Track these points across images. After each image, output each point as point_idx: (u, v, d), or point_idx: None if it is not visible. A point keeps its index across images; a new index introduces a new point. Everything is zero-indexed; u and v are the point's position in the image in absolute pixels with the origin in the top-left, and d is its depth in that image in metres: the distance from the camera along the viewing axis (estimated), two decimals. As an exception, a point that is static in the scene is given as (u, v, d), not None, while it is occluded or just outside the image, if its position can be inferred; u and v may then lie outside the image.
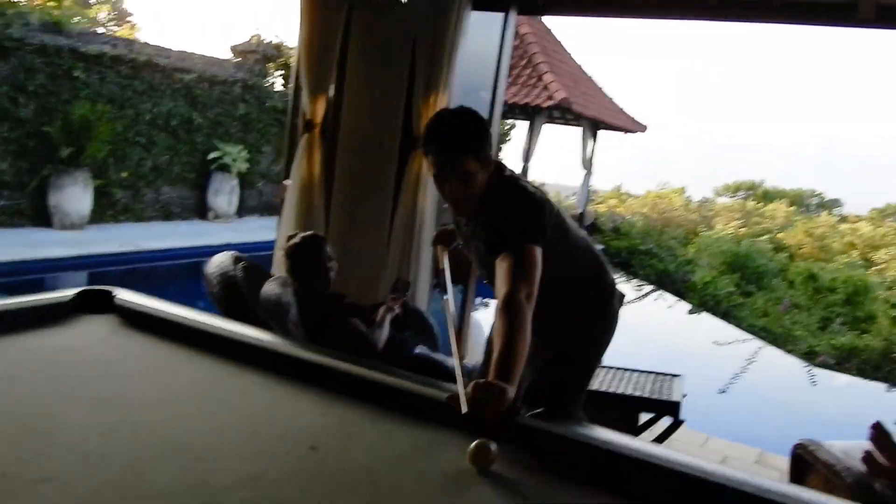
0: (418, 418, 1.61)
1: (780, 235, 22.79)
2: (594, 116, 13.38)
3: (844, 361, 7.96)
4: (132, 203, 9.46)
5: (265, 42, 11.72)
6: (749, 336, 9.21)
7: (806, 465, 2.71)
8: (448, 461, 1.43)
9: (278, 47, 11.76)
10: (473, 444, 1.40)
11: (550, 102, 12.19)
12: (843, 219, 32.03)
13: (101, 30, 11.78)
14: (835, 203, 44.48)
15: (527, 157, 12.92)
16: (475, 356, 3.62)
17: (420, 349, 2.98)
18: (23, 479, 1.17)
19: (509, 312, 1.69)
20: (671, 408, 3.17)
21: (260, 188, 11.56)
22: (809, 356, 8.20)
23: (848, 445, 2.72)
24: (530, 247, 1.83)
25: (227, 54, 11.57)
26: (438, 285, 2.10)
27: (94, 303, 2.15)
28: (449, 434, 1.51)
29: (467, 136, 1.93)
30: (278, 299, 2.71)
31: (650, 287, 12.37)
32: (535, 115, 12.78)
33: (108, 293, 2.19)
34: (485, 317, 5.27)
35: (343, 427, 1.57)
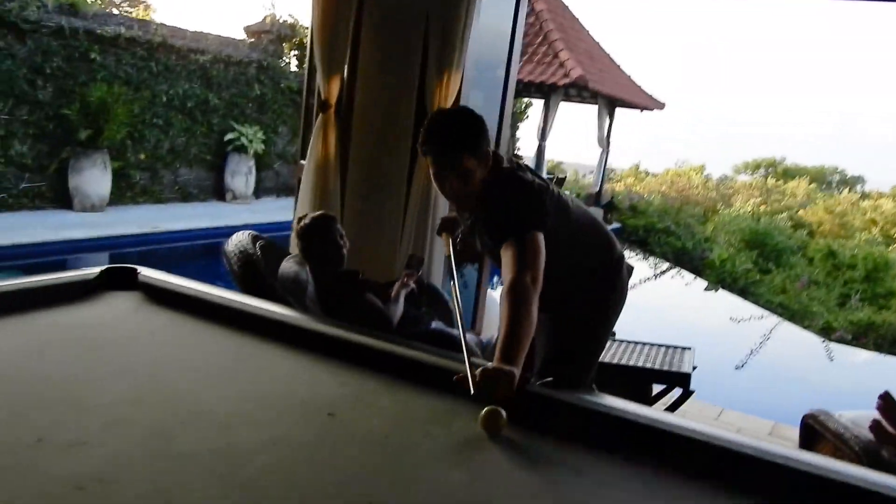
0: (432, 388, 1.66)
1: (800, 213, 22.62)
2: (611, 94, 13.30)
3: (861, 337, 7.95)
4: (150, 185, 9.58)
5: (279, 22, 11.74)
6: (766, 313, 9.20)
7: (815, 434, 2.76)
8: (460, 427, 1.49)
9: (293, 27, 11.78)
10: (484, 410, 1.46)
11: (566, 80, 12.13)
12: (865, 196, 31.67)
13: (116, 11, 11.82)
14: (857, 180, 43.92)
15: (543, 135, 12.90)
16: (490, 331, 3.68)
17: (436, 324, 3.04)
18: (58, 443, 1.24)
19: (514, 297, 1.75)
20: (681, 379, 3.22)
21: (276, 169, 11.65)
22: (826, 332, 8.20)
23: (857, 415, 2.76)
24: (532, 234, 1.89)
25: (241, 35, 11.61)
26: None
27: (118, 280, 2.22)
28: (461, 403, 1.56)
29: (464, 134, 1.97)
30: (296, 276, 2.77)
31: (667, 265, 12.37)
32: (551, 93, 12.73)
33: (133, 270, 2.26)
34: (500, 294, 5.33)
35: (359, 396, 1.63)
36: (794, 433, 2.93)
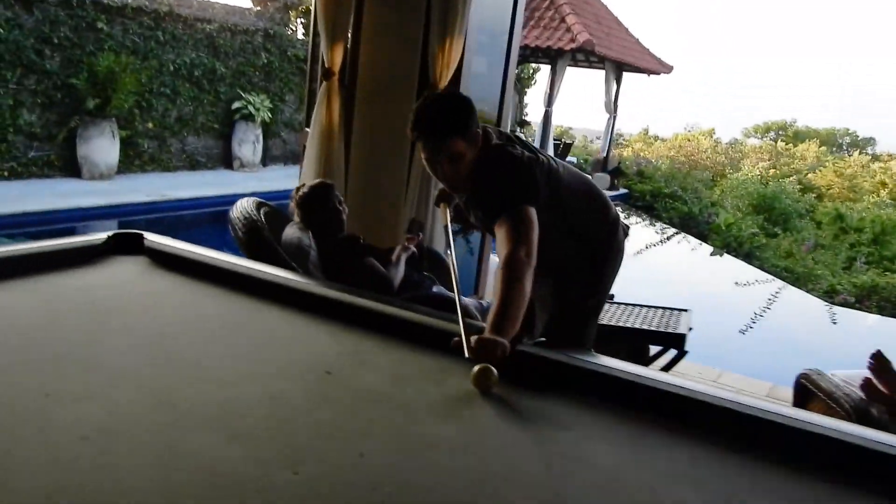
0: (427, 348, 1.72)
1: (809, 176, 22.47)
2: (618, 58, 13.20)
3: (864, 299, 7.97)
4: (159, 153, 9.63)
5: (285, -11, 11.67)
6: (770, 277, 9.21)
7: (808, 393, 2.82)
8: (453, 384, 1.55)
9: (299, -6, 11.71)
10: (476, 368, 1.52)
11: (573, 45, 12.05)
12: (876, 158, 31.37)
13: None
14: (868, 142, 43.45)
15: (549, 101, 12.84)
16: (491, 295, 3.74)
17: (437, 288, 3.10)
18: (65, 398, 1.30)
19: (508, 272, 1.80)
20: (677, 340, 3.29)
21: (284, 137, 11.66)
22: (830, 295, 8.22)
23: (849, 374, 2.81)
24: (524, 208, 1.93)
25: (247, 3, 11.55)
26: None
27: (125, 245, 2.28)
28: (455, 362, 1.62)
29: (453, 119, 2.00)
30: (299, 242, 2.83)
31: (673, 230, 12.36)
32: (557, 58, 12.65)
33: (139, 236, 2.31)
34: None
35: (356, 355, 1.69)
36: (791, 394, 2.99)
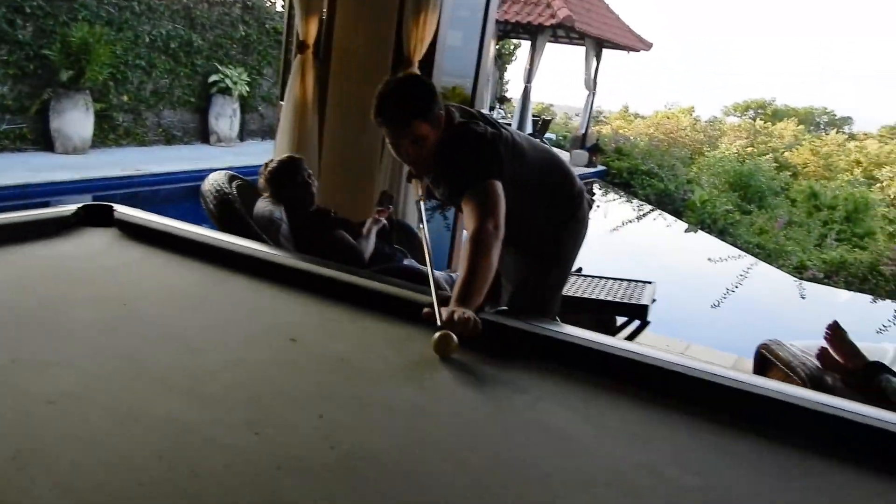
0: (392, 316, 1.77)
1: (786, 154, 22.70)
2: (598, 35, 13.19)
3: (833, 275, 8.13)
4: (134, 127, 9.52)
5: (263, -41, 11.51)
6: (742, 253, 9.36)
7: (768, 362, 2.90)
8: (415, 351, 1.59)
9: (277, -35, 11.56)
10: (436, 334, 1.56)
11: (553, 21, 12.02)
12: (853, 137, 31.72)
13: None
14: (845, 121, 43.88)
15: (529, 77, 12.83)
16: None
17: (409, 261, 3.14)
18: (34, 363, 1.33)
19: (475, 244, 1.85)
20: (639, 311, 3.37)
21: (261, 111, 11.57)
22: (799, 270, 8.38)
23: (807, 344, 2.90)
24: (489, 182, 1.97)
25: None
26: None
27: (95, 217, 2.29)
28: (419, 329, 1.67)
29: (414, 102, 2.03)
30: (270, 215, 2.85)
31: (650, 207, 12.48)
32: (537, 34, 12.63)
33: (109, 208, 2.33)
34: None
35: (322, 323, 1.73)
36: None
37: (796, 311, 7.65)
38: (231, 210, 2.82)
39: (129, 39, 9.13)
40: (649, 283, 3.64)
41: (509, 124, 11.92)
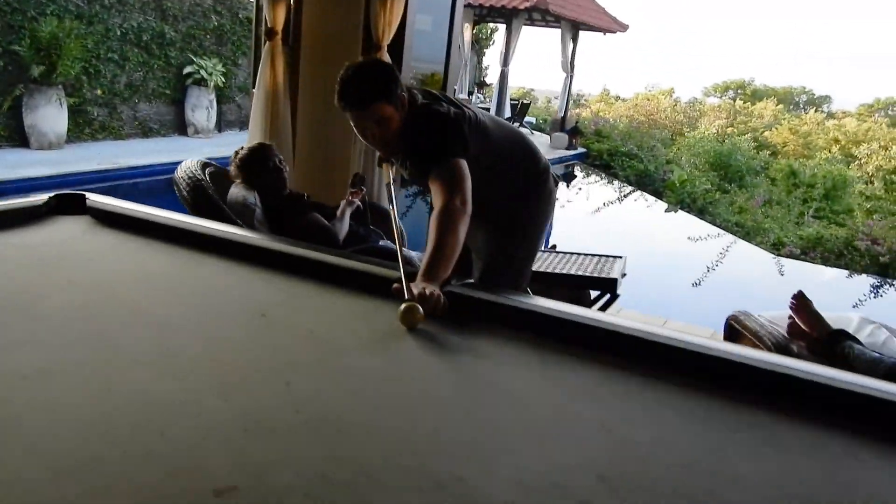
0: (360, 291, 1.81)
1: (766, 134, 22.90)
2: (573, 17, 13.23)
3: (809, 251, 8.25)
4: (109, 121, 9.46)
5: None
6: (721, 231, 9.47)
7: (737, 332, 2.98)
8: (382, 323, 1.64)
9: (247, -46, 11.47)
10: (402, 306, 1.61)
11: (528, 4, 12.04)
12: (831, 115, 32.02)
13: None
14: (824, 100, 44.27)
15: (505, 60, 12.84)
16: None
17: (384, 242, 3.18)
18: (7, 342, 1.37)
19: (441, 220, 1.90)
20: (609, 284, 3.44)
21: (238, 102, 11.52)
22: (777, 247, 8.50)
23: (774, 315, 2.98)
24: (454, 160, 2.02)
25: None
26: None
27: (68, 206, 2.32)
28: (385, 303, 1.71)
29: (375, 86, 2.07)
30: (244, 200, 2.88)
31: (630, 188, 12.57)
32: (512, 17, 12.63)
33: (81, 196, 2.35)
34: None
35: (291, 299, 1.78)
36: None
37: (774, 287, 7.77)
38: (204, 196, 2.85)
39: (100, 33, 9.06)
40: (619, 257, 3.71)
41: (488, 109, 11.90)
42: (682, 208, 11.06)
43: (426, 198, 4.88)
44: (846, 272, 7.97)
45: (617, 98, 30.68)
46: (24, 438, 1.06)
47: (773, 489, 1.11)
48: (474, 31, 14.43)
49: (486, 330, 1.64)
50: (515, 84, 21.34)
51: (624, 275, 3.51)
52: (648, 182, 12.57)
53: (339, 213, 2.97)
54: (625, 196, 12.18)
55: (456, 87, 13.16)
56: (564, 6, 12.87)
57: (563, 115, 14.38)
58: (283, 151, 3.60)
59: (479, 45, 15.77)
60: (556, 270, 3.46)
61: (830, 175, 13.18)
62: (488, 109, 10.99)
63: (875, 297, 7.62)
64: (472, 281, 1.94)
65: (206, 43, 10.67)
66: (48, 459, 1.01)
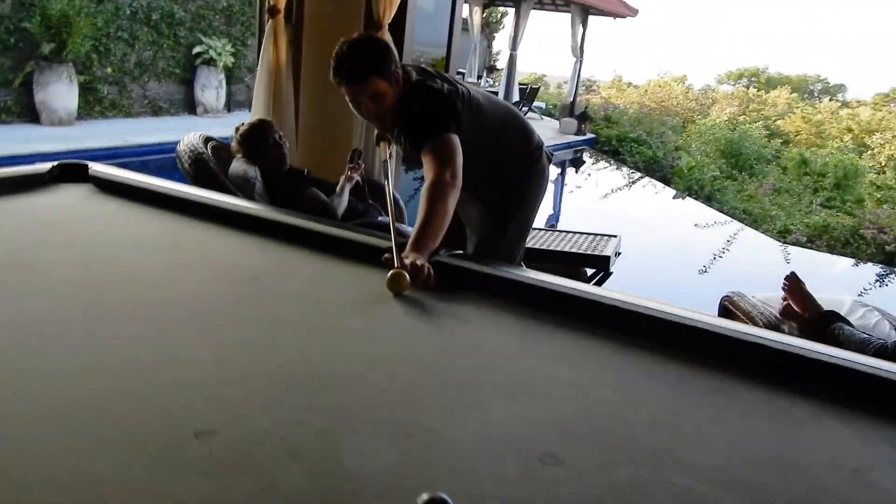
0: (352, 260, 1.86)
1: (778, 122, 22.73)
2: (583, 1, 13.15)
3: (816, 239, 8.24)
4: (119, 99, 9.52)
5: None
6: (728, 219, 9.45)
7: (730, 313, 3.02)
8: (369, 288, 1.68)
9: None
10: (389, 272, 1.66)
11: (538, -13, 11.96)
12: (846, 104, 31.73)
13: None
14: (839, 88, 43.82)
15: (514, 44, 12.80)
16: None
17: (383, 218, 3.22)
18: (11, 296, 1.43)
19: (432, 192, 1.94)
20: (601, 261, 3.48)
21: (247, 82, 11.53)
22: (783, 234, 8.49)
23: (767, 296, 3.02)
24: (446, 135, 2.06)
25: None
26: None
27: (71, 174, 2.38)
28: (375, 271, 1.76)
29: (369, 61, 2.11)
30: (245, 174, 2.93)
31: (639, 175, 12.54)
32: (521, 1, 12.57)
33: (84, 165, 2.41)
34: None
35: (283, 264, 1.83)
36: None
37: (781, 273, 7.75)
38: (206, 169, 2.90)
39: (110, 11, 9.10)
40: (614, 236, 3.75)
41: (496, 93, 11.87)
42: (689, 195, 11.04)
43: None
44: (852, 260, 7.96)
45: (629, 84, 30.51)
46: (16, 381, 1.12)
47: (733, 449, 1.15)
48: (484, 15, 14.38)
49: (470, 298, 1.69)
50: (527, 70, 21.31)
51: (618, 253, 3.54)
52: (657, 168, 12.53)
53: (338, 189, 3.01)
54: (633, 182, 12.16)
55: (464, 71, 13.17)
56: (575, -10, 12.82)
57: (572, 100, 14.33)
58: (285, 128, 3.64)
59: (489, 28, 15.71)
60: (552, 247, 3.51)
61: (842, 164, 13.11)
62: (496, 93, 11.00)
63: (880, 286, 7.61)
64: (460, 252, 1.98)
65: (215, 23, 10.69)
66: (39, 400, 1.07)
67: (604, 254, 3.44)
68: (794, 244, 8.30)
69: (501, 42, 17.59)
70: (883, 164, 16.28)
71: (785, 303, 2.83)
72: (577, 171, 12.99)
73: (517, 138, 2.44)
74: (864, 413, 1.27)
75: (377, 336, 1.46)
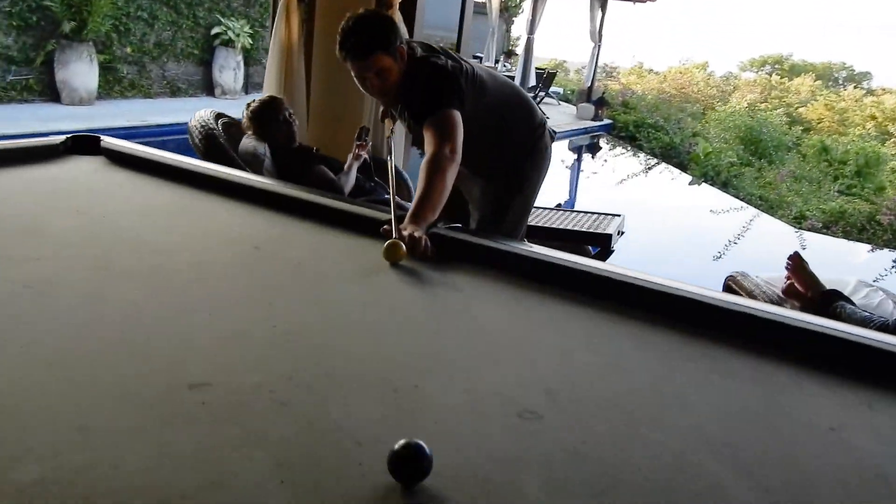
0: (352, 231, 1.90)
1: (800, 110, 22.43)
2: (603, -16, 13.04)
3: (832, 225, 8.18)
4: (139, 79, 9.62)
5: None
6: (743, 205, 9.39)
7: (734, 292, 3.03)
8: (368, 259, 1.72)
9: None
10: (386, 242, 1.69)
11: (557, -30, 11.86)
12: (870, 92, 31.20)
13: None
14: (864, 76, 43.11)
15: (531, 28, 12.73)
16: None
17: (399, 199, 3.26)
18: (14, 258, 1.48)
19: (431, 166, 1.98)
20: (603, 239, 3.50)
21: (265, 64, 11.57)
22: (798, 220, 8.43)
23: (771, 276, 3.03)
24: (448, 111, 2.10)
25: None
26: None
27: (83, 147, 2.43)
28: (374, 242, 1.79)
29: (374, 36, 2.14)
30: (254, 150, 2.98)
31: (655, 161, 12.47)
32: (540, -17, 12.48)
33: (96, 138, 2.47)
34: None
35: (284, 235, 1.87)
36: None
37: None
38: (216, 144, 2.95)
39: (130, -9, 9.19)
40: (617, 215, 3.76)
41: (512, 77, 11.81)
42: (706, 181, 10.97)
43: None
44: (868, 246, 7.90)
45: (650, 71, 30.19)
46: (23, 336, 1.17)
47: (710, 410, 1.18)
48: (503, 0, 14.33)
49: (464, 268, 1.72)
50: (548, 55, 21.18)
51: (621, 232, 3.56)
52: (674, 154, 12.45)
53: (346, 167, 3.05)
54: (649, 168, 12.09)
55: (482, 55, 13.13)
56: (594, -27, 12.71)
57: (589, 85, 14.25)
58: (297, 106, 3.68)
59: (508, 12, 15.63)
60: (554, 225, 3.53)
61: (863, 152, 12.94)
62: (513, 78, 10.97)
63: (896, 272, 7.54)
64: (458, 225, 2.02)
65: (234, 4, 10.75)
66: (43, 354, 1.12)
67: (606, 232, 3.46)
68: (809, 230, 8.25)
69: (520, 27, 17.47)
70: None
71: (786, 281, 2.84)
72: (593, 157, 12.94)
73: (520, 116, 2.46)
74: (845, 378, 1.29)
75: (371, 302, 1.50)
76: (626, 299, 1.56)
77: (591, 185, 10.30)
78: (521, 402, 1.12)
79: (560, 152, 12.11)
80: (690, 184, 11.20)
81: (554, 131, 2.56)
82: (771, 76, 33.16)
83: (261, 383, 1.10)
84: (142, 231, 1.77)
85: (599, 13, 13.73)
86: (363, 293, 1.54)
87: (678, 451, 1.03)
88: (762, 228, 8.59)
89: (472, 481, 0.91)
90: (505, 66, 15.08)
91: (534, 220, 3.41)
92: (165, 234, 1.78)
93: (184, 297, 1.40)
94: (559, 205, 3.91)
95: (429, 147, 2.05)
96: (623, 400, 1.18)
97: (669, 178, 11.74)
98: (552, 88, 15.07)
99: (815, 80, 30.77)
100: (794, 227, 8.38)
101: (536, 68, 14.03)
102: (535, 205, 2.77)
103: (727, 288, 3.10)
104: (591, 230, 3.49)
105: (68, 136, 2.41)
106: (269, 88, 3.82)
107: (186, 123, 8.59)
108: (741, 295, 3.02)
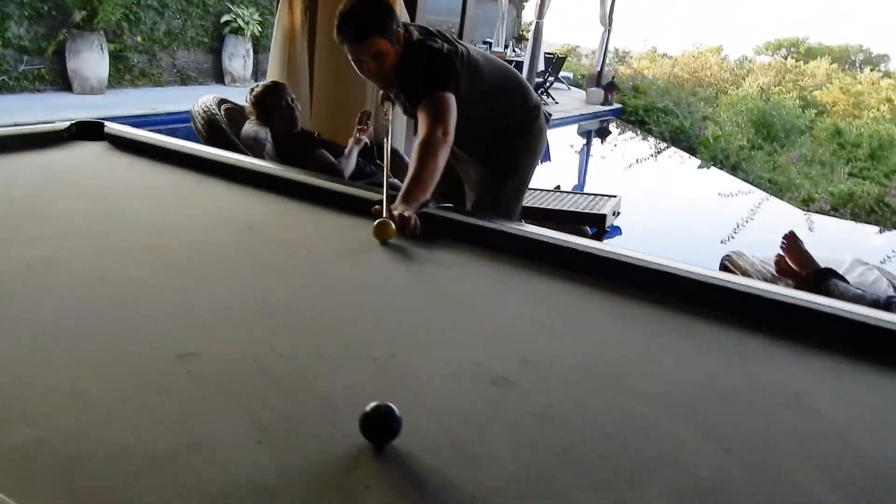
0: (345, 211, 1.94)
1: (815, 93, 22.19)
2: (612, -32, 12.94)
3: (840, 207, 8.14)
4: (149, 68, 9.68)
5: None
6: (752, 188, 9.35)
7: (729, 271, 3.06)
8: (358, 238, 1.77)
9: None
10: (376, 222, 1.74)
11: (566, -47, 11.77)
12: (888, 74, 30.75)
13: None
14: (882, 59, 42.48)
15: (540, 13, 12.65)
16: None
17: (392, 180, 3.30)
18: (18, 239, 1.55)
19: (424, 147, 2.01)
20: (597, 220, 3.53)
21: (274, 51, 11.63)
22: (806, 203, 8.40)
23: (767, 256, 3.06)
24: (442, 93, 2.12)
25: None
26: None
27: (87, 133, 2.49)
28: (365, 221, 1.84)
29: (371, 20, 2.16)
30: (256, 135, 3.03)
31: (665, 145, 12.42)
32: (549, -33, 12.39)
33: (100, 124, 2.52)
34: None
35: (278, 215, 1.93)
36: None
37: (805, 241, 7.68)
38: (218, 129, 3.00)
39: (140, -21, 9.24)
40: (613, 196, 3.79)
41: (521, 62, 11.75)
42: (715, 165, 10.92)
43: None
44: (877, 228, 7.86)
45: (663, 55, 29.91)
46: (22, 311, 1.23)
47: (680, 378, 1.22)
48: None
49: (453, 247, 1.76)
50: (560, 41, 21.07)
51: (617, 213, 3.59)
52: (683, 138, 12.39)
53: (347, 151, 3.09)
54: (658, 152, 12.05)
55: (491, 41, 13.10)
56: (604, -44, 12.61)
57: (599, 70, 14.17)
58: (300, 91, 3.72)
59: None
60: (550, 206, 3.56)
61: (877, 134, 12.83)
62: (521, 63, 10.93)
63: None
64: (449, 205, 2.06)
65: (243, -9, 10.79)
66: (42, 327, 1.18)
67: (601, 212, 3.49)
68: (817, 213, 8.22)
69: (531, 12, 17.38)
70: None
71: (779, 259, 2.86)
72: (602, 142, 12.91)
73: (515, 98, 2.49)
74: (812, 347, 1.33)
75: (359, 278, 1.55)
76: (609, 275, 1.60)
77: (599, 168, 10.28)
78: (495, 371, 1.17)
79: (570, 137, 12.09)
80: (699, 167, 11.16)
81: (549, 114, 2.59)
82: (786, 59, 32.74)
83: (245, 353, 1.15)
84: (140, 211, 1.82)
85: (609, -4, 13.63)
86: (351, 270, 1.59)
87: (643, 415, 1.07)
88: (770, 211, 8.56)
89: (442, 441, 0.96)
90: (515, 51, 15.02)
91: (529, 201, 3.43)
92: (162, 214, 1.83)
93: (177, 273, 1.46)
94: (558, 186, 3.94)
95: (422, 129, 2.09)
96: (595, 369, 1.22)
97: (678, 161, 11.70)
98: (562, 73, 14.99)
99: (831, 64, 30.39)
100: (803, 209, 8.35)
101: (546, 53, 13.97)
102: (533, 186, 2.81)
103: (723, 267, 3.13)
104: (585, 210, 3.52)
105: (73, 122, 2.47)
106: (273, 74, 3.87)
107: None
108: (736, 274, 3.05)
